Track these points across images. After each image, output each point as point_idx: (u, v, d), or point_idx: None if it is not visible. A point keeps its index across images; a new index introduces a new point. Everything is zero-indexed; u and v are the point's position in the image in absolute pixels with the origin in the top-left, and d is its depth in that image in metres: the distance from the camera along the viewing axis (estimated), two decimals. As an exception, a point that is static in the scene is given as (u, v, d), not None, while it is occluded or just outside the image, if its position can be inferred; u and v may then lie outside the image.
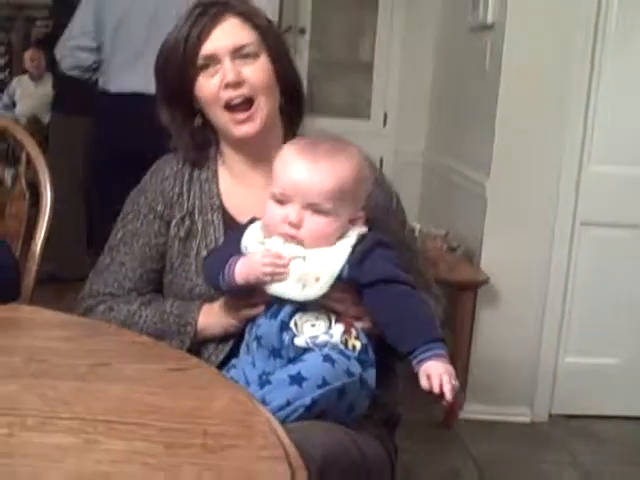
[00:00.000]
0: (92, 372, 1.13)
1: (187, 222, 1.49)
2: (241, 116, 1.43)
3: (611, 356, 3.05)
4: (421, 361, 1.24)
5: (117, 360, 1.18)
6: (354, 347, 1.32)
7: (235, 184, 1.52)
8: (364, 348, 1.33)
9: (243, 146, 1.49)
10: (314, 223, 1.31)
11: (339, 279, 1.30)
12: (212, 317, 1.43)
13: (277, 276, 1.30)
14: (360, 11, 4.13)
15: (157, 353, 1.23)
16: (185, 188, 1.51)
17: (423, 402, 2.81)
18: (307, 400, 1.23)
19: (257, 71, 1.43)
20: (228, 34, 1.43)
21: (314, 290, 1.29)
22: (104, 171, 2.95)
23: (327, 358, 1.27)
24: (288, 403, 1.23)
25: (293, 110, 1.52)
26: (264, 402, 1.20)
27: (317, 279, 1.29)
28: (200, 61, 1.43)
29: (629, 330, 3.03)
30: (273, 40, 1.47)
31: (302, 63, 4.01)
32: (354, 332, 1.33)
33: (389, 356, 1.39)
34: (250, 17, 1.45)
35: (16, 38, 7.91)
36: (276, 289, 1.30)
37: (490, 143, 2.89)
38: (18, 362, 1.13)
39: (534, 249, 2.93)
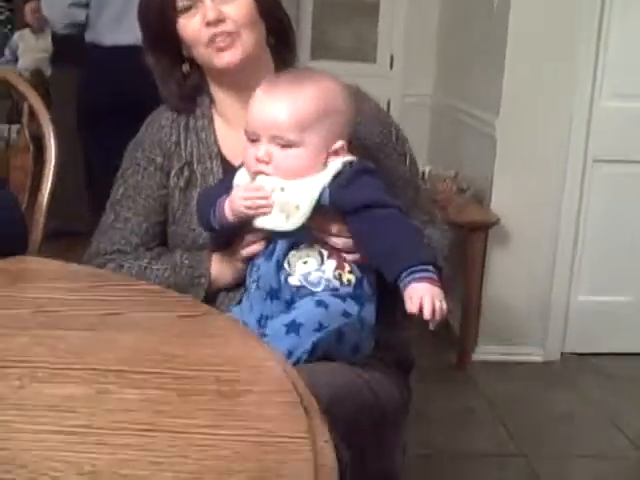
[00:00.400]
0: (102, 322, 1.12)
1: (186, 172, 1.46)
2: (221, 44, 1.39)
3: (623, 294, 3.05)
4: (406, 285, 1.21)
5: (127, 309, 1.17)
6: (349, 281, 1.30)
7: (231, 129, 1.49)
8: (359, 282, 1.31)
9: (231, 83, 1.45)
10: (282, 157, 1.29)
11: (320, 205, 1.28)
12: (222, 265, 1.42)
13: (260, 209, 1.29)
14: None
15: (168, 301, 1.22)
16: (182, 137, 1.48)
17: (436, 345, 2.85)
18: (307, 345, 1.22)
19: (238, 7, 1.40)
20: None
21: (296, 218, 1.27)
22: (101, 124, 2.93)
23: (320, 303, 1.26)
24: (289, 353, 1.22)
25: (283, 48, 1.49)
26: None
27: (297, 207, 1.27)
28: (180, 3, 1.40)
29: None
30: None
31: (306, 6, 3.94)
32: (347, 266, 1.31)
33: (392, 294, 1.36)
34: None
35: (18, -9, 7.80)
36: (261, 222, 1.30)
37: (499, 82, 2.85)
38: (26, 314, 1.12)
39: (545, 188, 2.91)
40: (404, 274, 1.21)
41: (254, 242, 1.35)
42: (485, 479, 2.30)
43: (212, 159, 1.47)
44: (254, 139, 1.31)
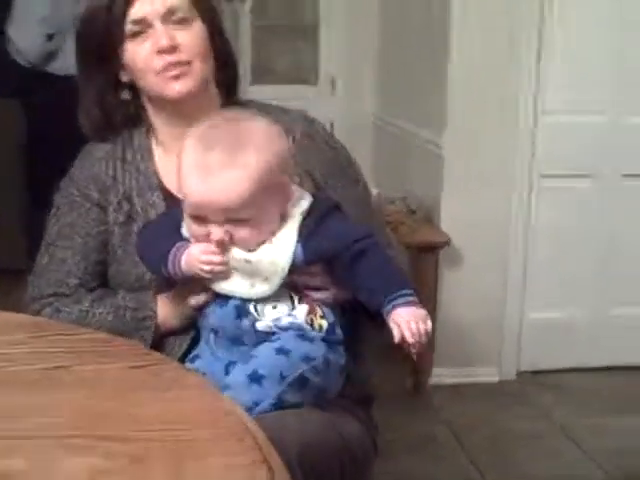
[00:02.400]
0: (45, 378, 1.04)
1: (125, 206, 1.39)
2: (174, 72, 1.33)
3: (575, 308, 3.03)
4: (390, 312, 1.17)
5: (72, 362, 1.08)
6: (320, 327, 1.25)
7: (171, 160, 1.39)
8: (331, 327, 1.26)
9: (175, 113, 1.39)
10: (244, 232, 1.21)
11: (293, 266, 1.22)
12: (168, 307, 1.35)
13: (218, 274, 1.22)
14: (299, -28, 4.00)
15: (116, 350, 1.14)
16: (119, 170, 1.41)
17: (391, 371, 2.80)
18: (272, 398, 1.18)
19: (192, 36, 1.35)
20: None
21: (263, 289, 1.22)
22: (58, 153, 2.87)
23: (280, 350, 1.20)
24: (255, 404, 1.17)
25: (228, 79, 1.45)
26: None
27: (266, 278, 1.22)
28: (129, 26, 1.34)
29: (592, 281, 3.01)
30: (205, 5, 1.39)
31: (244, 30, 3.89)
32: (319, 311, 1.26)
33: (357, 328, 1.34)
34: None
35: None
36: (223, 287, 1.23)
37: (443, 100, 2.82)
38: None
39: (493, 205, 2.88)
40: (387, 299, 1.18)
41: (202, 290, 1.28)
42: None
43: (152, 191, 1.40)
44: (199, 218, 1.22)
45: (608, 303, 3.04)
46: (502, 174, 2.86)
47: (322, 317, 1.26)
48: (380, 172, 3.47)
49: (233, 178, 1.18)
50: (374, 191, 2.88)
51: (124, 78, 1.40)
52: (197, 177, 1.20)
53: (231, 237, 1.20)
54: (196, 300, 1.29)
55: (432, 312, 2.84)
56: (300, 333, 1.23)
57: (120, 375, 1.05)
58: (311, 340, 1.23)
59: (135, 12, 1.34)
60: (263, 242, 1.22)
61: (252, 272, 1.22)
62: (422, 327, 1.16)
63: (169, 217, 1.32)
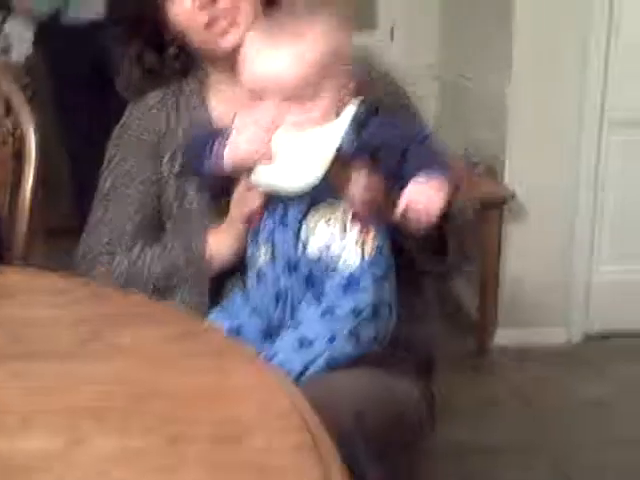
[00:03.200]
0: (82, 347, 0.97)
1: (180, 156, 1.31)
2: (220, 27, 1.24)
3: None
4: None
5: (111, 329, 1.01)
6: (371, 252, 1.16)
7: (226, 107, 1.32)
8: (379, 250, 1.17)
9: (232, 60, 1.28)
10: (295, 113, 1.14)
11: (340, 155, 1.13)
12: (219, 233, 1.27)
13: (263, 157, 1.14)
14: None
15: (157, 316, 1.07)
16: (173, 119, 1.33)
17: (453, 331, 2.71)
18: (323, 359, 1.12)
19: None
20: None
21: (314, 173, 1.12)
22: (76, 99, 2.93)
23: (326, 312, 1.14)
24: (305, 368, 1.11)
25: (275, 6, 1.32)
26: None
27: (314, 159, 1.13)
28: None
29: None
30: None
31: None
32: (371, 231, 1.16)
33: (412, 287, 1.27)
34: None
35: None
36: (267, 179, 1.15)
37: (509, 47, 2.67)
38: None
39: (560, 157, 2.74)
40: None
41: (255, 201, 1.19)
42: (513, 473, 2.16)
43: None
44: (254, 97, 1.16)
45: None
46: (570, 124, 2.71)
47: (373, 238, 1.17)
48: (441, 124, 3.34)
49: (297, 53, 1.13)
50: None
51: (167, 35, 1.30)
52: (260, 51, 1.15)
53: (280, 116, 1.14)
54: (252, 204, 1.19)
55: (495, 270, 2.75)
56: (346, 283, 1.15)
57: (158, 345, 0.97)
58: (357, 288, 1.15)
59: None
60: (313, 126, 1.15)
61: (298, 157, 1.14)
62: (431, 205, 1.06)
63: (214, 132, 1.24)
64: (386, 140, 1.13)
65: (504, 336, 2.80)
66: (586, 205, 2.80)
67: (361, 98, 1.17)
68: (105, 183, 1.35)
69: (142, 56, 1.32)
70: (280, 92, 1.13)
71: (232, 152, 1.16)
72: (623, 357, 2.75)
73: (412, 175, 1.09)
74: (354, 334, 1.14)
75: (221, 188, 1.24)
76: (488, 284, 2.73)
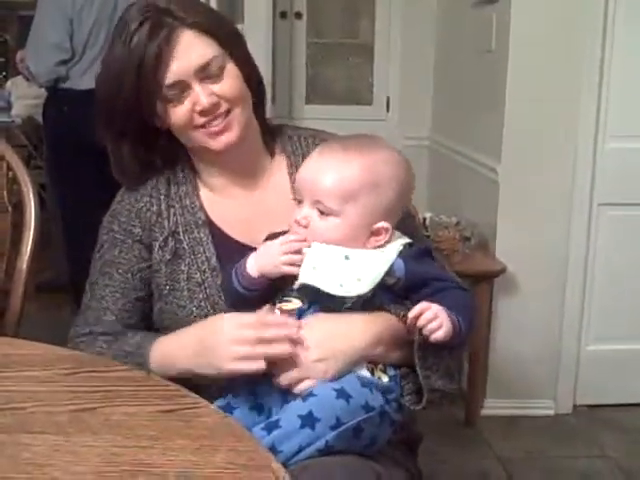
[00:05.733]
0: (74, 421, 1.00)
1: (171, 243, 1.34)
2: (216, 128, 1.29)
3: (635, 341, 2.91)
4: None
5: (102, 403, 1.04)
6: (380, 379, 1.21)
7: (216, 196, 1.39)
8: (392, 379, 1.22)
9: (222, 159, 1.36)
10: (319, 224, 1.21)
11: (390, 278, 1.20)
12: (197, 357, 1.23)
13: (296, 264, 1.20)
14: (357, -9, 3.96)
15: (148, 391, 1.10)
16: (164, 206, 1.37)
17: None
18: (321, 444, 1.10)
19: (230, 85, 1.29)
20: (189, 54, 1.26)
21: (353, 288, 1.18)
22: (65, 165, 3.00)
23: (341, 393, 1.13)
24: (300, 449, 1.10)
25: (260, 102, 1.40)
26: (273, 448, 1.08)
27: (358, 280, 1.18)
28: (164, 91, 1.27)
29: (653, 313, 2.89)
30: (232, 40, 1.33)
31: (300, 49, 3.87)
32: (380, 365, 1.22)
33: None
34: (205, 27, 1.28)
35: (11, 38, 7.79)
36: (311, 278, 1.19)
37: (500, 124, 2.74)
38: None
39: (551, 234, 2.79)
40: None
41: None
42: None
43: (199, 227, 1.35)
44: (300, 200, 1.24)
45: (670, 336, 2.91)
46: (560, 201, 2.77)
47: (383, 371, 1.21)
48: (433, 196, 3.40)
49: (340, 165, 1.21)
50: (427, 215, 2.82)
51: (158, 124, 1.33)
52: (314, 157, 1.25)
53: (308, 222, 1.21)
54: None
55: (486, 342, 2.77)
56: (361, 376, 1.18)
57: (148, 420, 1.00)
58: (371, 390, 1.17)
59: (169, 75, 1.26)
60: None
61: (346, 269, 1.19)
62: (437, 322, 1.16)
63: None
64: (426, 277, 1.22)
65: (493, 406, 2.82)
66: (575, 282, 2.84)
67: (407, 240, 1.25)
68: (95, 268, 1.40)
69: (137, 149, 1.36)
70: (316, 199, 1.21)
71: (265, 260, 1.22)
72: (609, 429, 2.76)
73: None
74: (358, 428, 1.13)
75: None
76: (478, 354, 2.75)
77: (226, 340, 1.16)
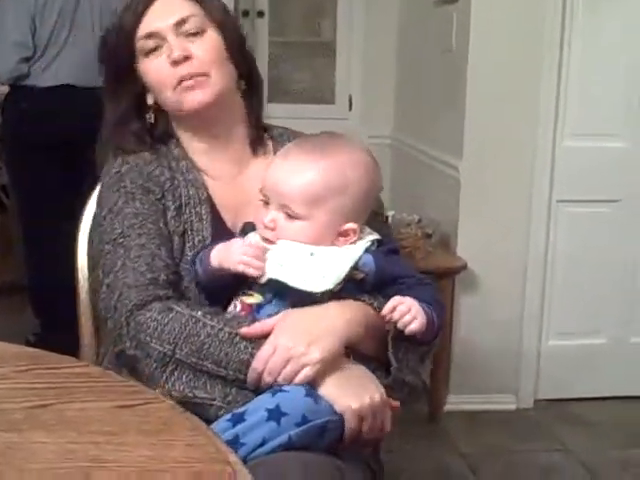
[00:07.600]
0: (28, 417, 0.99)
1: (181, 215, 1.31)
2: (189, 83, 1.30)
3: (594, 336, 2.96)
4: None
5: (57, 399, 1.03)
6: None
7: (208, 179, 1.38)
8: None
9: (202, 130, 1.36)
10: (286, 227, 1.22)
11: (353, 277, 1.21)
12: None
13: (252, 268, 1.19)
14: (319, -10, 3.96)
15: (105, 387, 1.09)
16: (170, 175, 1.34)
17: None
18: (284, 438, 1.10)
19: (205, 45, 1.32)
20: (168, 9, 1.33)
21: (319, 282, 1.19)
22: (25, 161, 2.95)
23: (310, 392, 1.13)
24: (263, 442, 1.09)
25: (253, 95, 1.43)
26: (237, 440, 1.08)
27: (323, 277, 1.19)
28: (141, 42, 1.32)
29: (611, 308, 2.94)
30: (219, 13, 1.37)
31: (262, 48, 3.86)
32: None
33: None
34: None
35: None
36: (276, 274, 1.19)
37: (461, 123, 2.77)
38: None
39: (511, 231, 2.82)
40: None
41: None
42: None
43: (201, 203, 1.33)
44: (267, 202, 1.24)
45: (628, 331, 2.97)
46: (520, 199, 2.80)
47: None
48: (395, 194, 3.41)
49: (305, 169, 1.21)
50: (390, 212, 2.83)
51: (149, 101, 1.37)
52: (278, 160, 1.24)
53: (275, 225, 1.21)
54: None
55: (448, 338, 2.79)
56: None
57: (104, 416, 0.99)
58: None
59: (146, 26, 1.32)
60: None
61: (312, 266, 1.19)
62: (411, 315, 1.17)
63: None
64: (396, 274, 1.24)
65: (456, 401, 2.85)
66: (535, 277, 2.87)
67: (375, 237, 1.25)
68: (113, 226, 1.28)
69: (127, 120, 1.37)
70: (282, 202, 1.20)
71: (224, 257, 1.21)
72: (570, 423, 2.80)
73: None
74: (324, 428, 1.12)
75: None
76: (440, 352, 2.76)
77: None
